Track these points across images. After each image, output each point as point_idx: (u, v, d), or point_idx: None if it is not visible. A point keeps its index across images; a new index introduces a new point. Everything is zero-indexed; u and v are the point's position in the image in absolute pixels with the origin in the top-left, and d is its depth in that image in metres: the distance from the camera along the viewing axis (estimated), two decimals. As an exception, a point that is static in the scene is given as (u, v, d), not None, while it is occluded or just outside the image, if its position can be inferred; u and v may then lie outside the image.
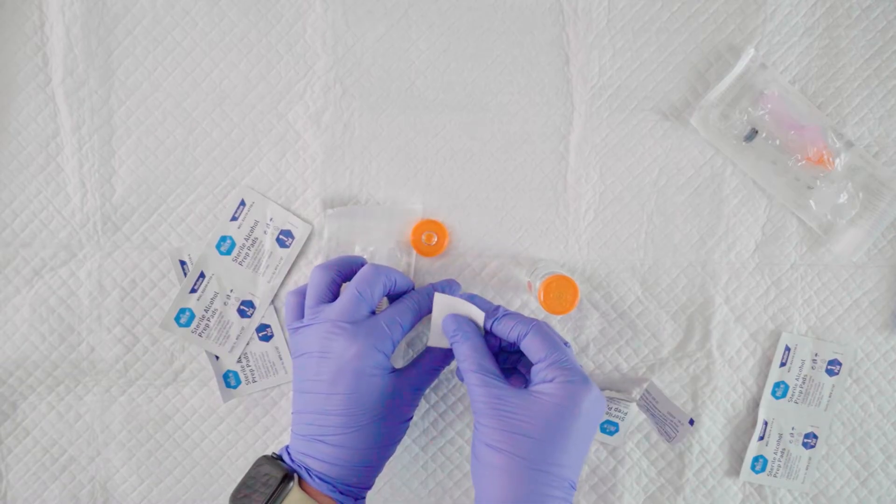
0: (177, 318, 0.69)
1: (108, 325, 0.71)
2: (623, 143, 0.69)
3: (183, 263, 0.69)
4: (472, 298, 0.59)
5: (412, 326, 0.59)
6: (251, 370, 0.71)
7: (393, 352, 0.58)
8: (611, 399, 0.70)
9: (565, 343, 0.53)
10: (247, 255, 0.69)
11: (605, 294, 0.70)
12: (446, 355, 0.60)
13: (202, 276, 0.69)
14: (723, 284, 0.70)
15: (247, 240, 0.69)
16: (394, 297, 0.62)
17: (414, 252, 0.68)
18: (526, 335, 0.51)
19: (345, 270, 0.61)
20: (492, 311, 0.57)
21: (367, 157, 0.70)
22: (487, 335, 0.58)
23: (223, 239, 0.69)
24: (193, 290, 0.69)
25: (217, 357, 0.70)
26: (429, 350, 0.60)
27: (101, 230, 0.70)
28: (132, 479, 0.72)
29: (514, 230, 0.70)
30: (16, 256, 0.70)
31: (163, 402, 0.71)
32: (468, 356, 0.52)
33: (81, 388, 0.71)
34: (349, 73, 0.69)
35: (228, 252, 0.69)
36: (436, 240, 0.68)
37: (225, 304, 0.69)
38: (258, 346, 0.70)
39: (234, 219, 0.69)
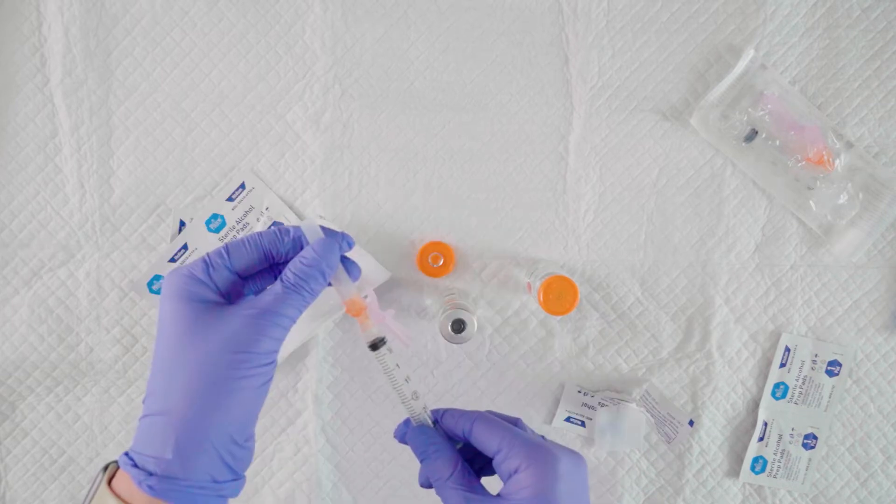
0: (149, 284, 0.69)
1: (107, 325, 0.71)
2: (623, 143, 0.69)
3: (182, 224, 0.69)
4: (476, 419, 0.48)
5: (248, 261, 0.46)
6: None
7: (222, 287, 0.45)
8: (611, 399, 0.70)
9: (515, 420, 0.48)
10: (234, 237, 0.69)
11: (604, 295, 0.70)
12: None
13: (185, 247, 0.69)
14: (723, 285, 0.70)
15: (238, 223, 0.69)
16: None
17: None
18: (472, 429, 0.46)
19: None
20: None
21: (367, 157, 0.70)
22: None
23: (214, 216, 0.69)
24: (173, 260, 0.69)
25: None
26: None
27: (99, 231, 0.70)
28: (131, 480, 0.71)
29: (513, 231, 0.70)
30: (14, 257, 0.70)
31: None
32: (440, 472, 0.46)
33: (80, 389, 0.71)
34: (348, 73, 0.69)
35: (217, 230, 0.69)
36: (442, 262, 0.68)
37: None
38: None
39: (230, 199, 0.69)
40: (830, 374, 0.70)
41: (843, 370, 0.70)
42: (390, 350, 0.49)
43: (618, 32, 0.68)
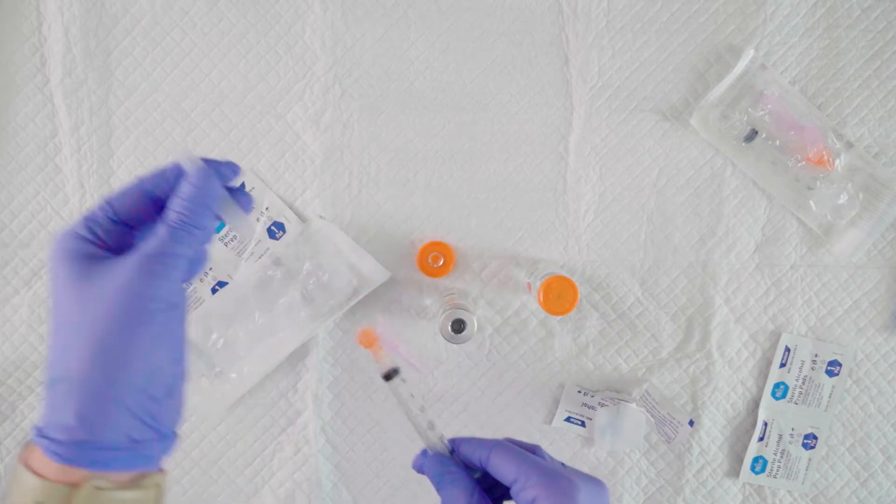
0: None
1: None
2: (623, 143, 0.69)
3: None
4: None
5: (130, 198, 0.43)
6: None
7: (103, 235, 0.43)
8: (611, 399, 0.70)
9: (534, 448, 0.47)
10: (234, 237, 0.69)
11: (604, 295, 0.70)
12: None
13: None
14: (723, 285, 0.70)
15: None
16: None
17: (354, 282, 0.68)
18: (489, 458, 0.45)
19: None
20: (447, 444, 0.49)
21: (367, 157, 0.70)
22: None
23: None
24: None
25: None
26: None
27: None
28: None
29: (513, 231, 0.70)
30: (14, 257, 0.70)
31: None
32: (457, 501, 0.46)
33: None
34: (348, 73, 0.69)
35: (217, 229, 0.66)
36: (442, 262, 0.68)
37: (201, 280, 0.69)
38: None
39: None
40: (830, 374, 0.70)
41: (843, 370, 0.70)
42: (404, 380, 0.48)
43: (618, 32, 0.68)
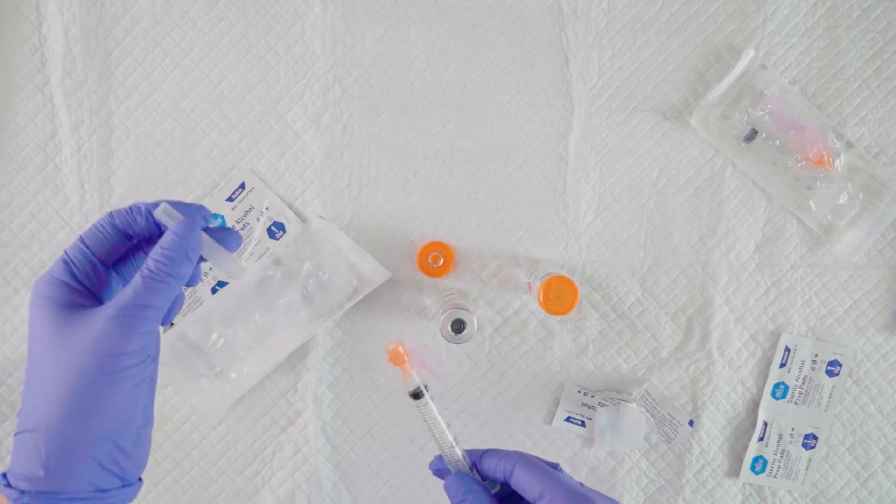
0: None
1: None
2: (623, 143, 0.69)
3: None
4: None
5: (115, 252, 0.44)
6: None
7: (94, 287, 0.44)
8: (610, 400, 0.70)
9: (555, 466, 0.48)
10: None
11: (604, 295, 0.70)
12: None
13: None
14: (723, 285, 0.70)
15: (238, 222, 0.69)
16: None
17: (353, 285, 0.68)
18: (513, 472, 0.46)
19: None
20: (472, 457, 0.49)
21: (367, 157, 0.70)
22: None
23: (214, 216, 0.68)
24: None
25: (172, 324, 0.69)
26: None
27: None
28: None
29: (513, 231, 0.70)
30: (14, 257, 0.70)
31: (161, 403, 0.71)
32: None
33: None
34: (348, 73, 0.69)
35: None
36: (442, 262, 0.68)
37: (201, 281, 0.68)
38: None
39: (230, 199, 0.69)
40: (830, 374, 0.70)
41: (843, 370, 0.70)
42: (432, 399, 0.48)
43: (618, 32, 0.68)
